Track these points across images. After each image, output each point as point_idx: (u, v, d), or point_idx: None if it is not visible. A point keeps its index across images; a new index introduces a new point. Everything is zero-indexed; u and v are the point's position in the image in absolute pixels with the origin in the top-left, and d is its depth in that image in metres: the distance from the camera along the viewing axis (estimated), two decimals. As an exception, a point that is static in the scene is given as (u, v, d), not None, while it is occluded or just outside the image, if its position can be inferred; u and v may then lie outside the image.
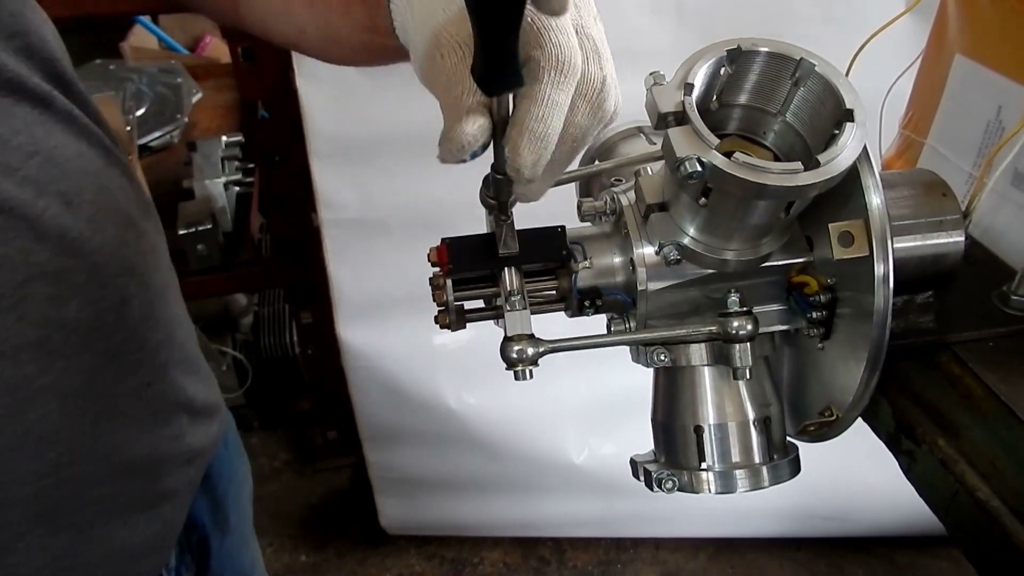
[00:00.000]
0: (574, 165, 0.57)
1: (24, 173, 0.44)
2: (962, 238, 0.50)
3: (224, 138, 1.78)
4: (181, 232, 1.51)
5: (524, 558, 1.80)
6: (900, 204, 0.51)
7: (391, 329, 1.43)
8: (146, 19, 2.33)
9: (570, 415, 1.58)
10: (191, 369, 0.61)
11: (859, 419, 0.53)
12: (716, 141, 0.39)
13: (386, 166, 1.29)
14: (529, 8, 0.37)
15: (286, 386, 1.99)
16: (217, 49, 2.44)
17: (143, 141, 1.88)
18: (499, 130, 0.39)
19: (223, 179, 1.66)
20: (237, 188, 1.73)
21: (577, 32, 0.40)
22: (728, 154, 0.39)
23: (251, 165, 1.75)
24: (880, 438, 0.53)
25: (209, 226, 1.53)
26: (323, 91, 1.22)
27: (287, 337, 1.94)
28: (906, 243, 0.49)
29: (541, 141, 0.39)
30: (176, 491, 0.60)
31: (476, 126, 0.39)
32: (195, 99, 2.04)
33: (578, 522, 1.75)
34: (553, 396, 1.56)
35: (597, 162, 0.59)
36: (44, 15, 0.51)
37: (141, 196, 0.58)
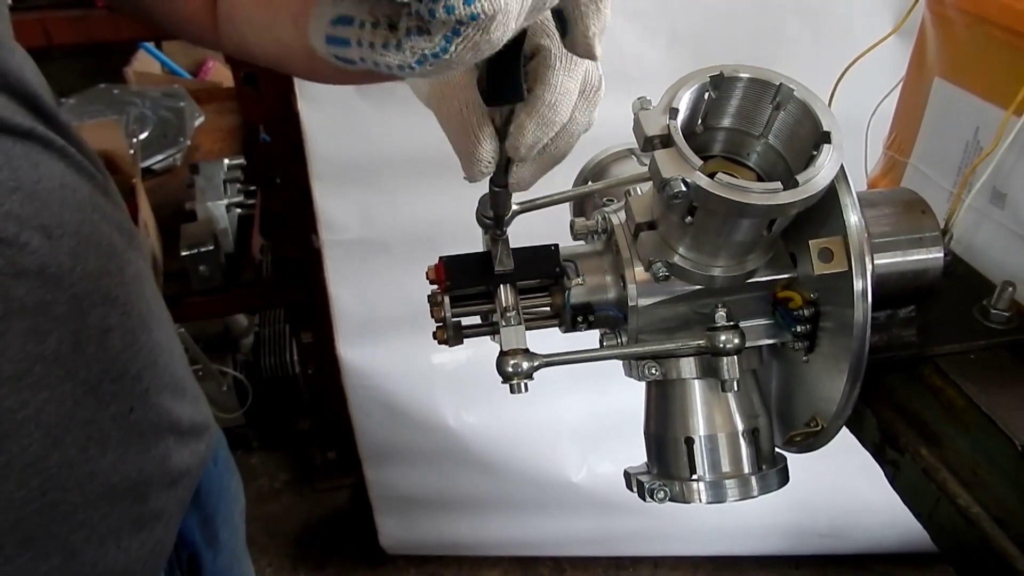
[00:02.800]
0: (567, 185, 0.60)
1: (7, 209, 0.45)
2: (941, 254, 0.52)
3: (226, 161, 1.81)
4: (184, 253, 1.53)
5: (524, 577, 1.80)
6: (881, 222, 0.52)
7: (391, 348, 1.45)
8: (150, 44, 2.37)
9: (569, 433, 1.59)
10: (177, 391, 0.62)
11: (849, 433, 0.55)
12: (700, 162, 0.41)
13: (386, 188, 1.32)
14: None
15: (286, 406, 2.00)
16: (219, 74, 2.48)
17: (146, 164, 1.91)
18: (501, 138, 0.41)
19: (225, 201, 1.68)
20: (239, 210, 1.75)
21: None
22: (712, 175, 0.41)
23: (253, 187, 1.77)
24: (866, 448, 0.54)
25: (211, 247, 1.54)
26: (324, 114, 1.24)
27: (287, 357, 1.96)
28: (887, 259, 0.51)
29: (548, 127, 0.40)
30: (165, 511, 0.61)
31: (491, 145, 0.40)
32: (197, 122, 2.08)
33: (577, 540, 1.75)
34: (551, 415, 1.57)
35: (590, 183, 0.61)
36: (24, 54, 0.52)
37: (125, 223, 0.59)
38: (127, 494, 0.55)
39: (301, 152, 1.30)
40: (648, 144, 0.42)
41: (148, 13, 0.62)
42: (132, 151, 1.67)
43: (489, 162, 0.41)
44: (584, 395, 1.54)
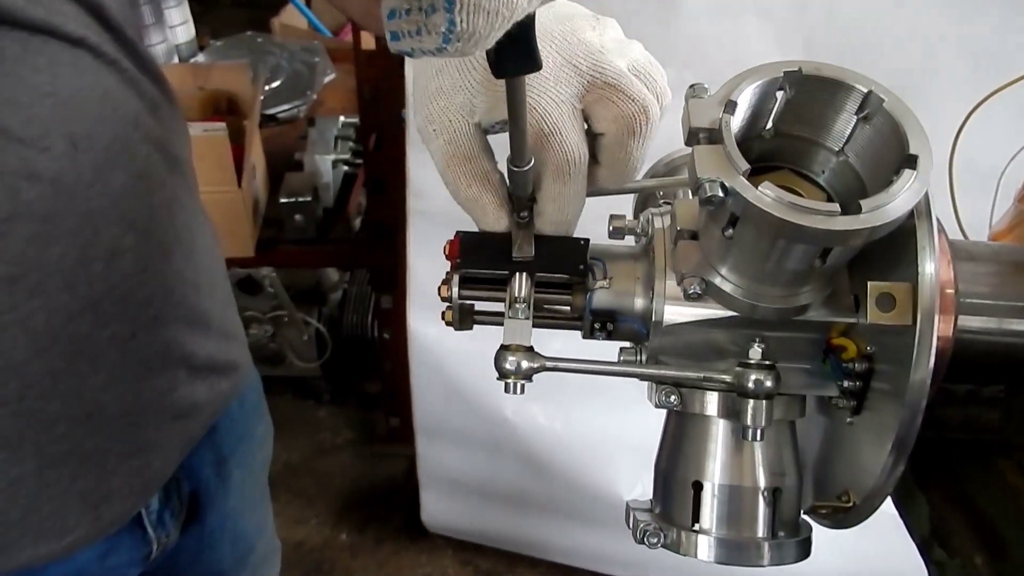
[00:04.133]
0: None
1: (34, 111, 0.45)
2: (1048, 329, 0.43)
3: (342, 118, 1.84)
4: (282, 200, 1.57)
5: (559, 586, 1.75)
6: (979, 280, 0.44)
7: (461, 327, 1.43)
8: (298, 0, 2.45)
9: (628, 448, 1.52)
10: (196, 325, 0.61)
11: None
12: (746, 166, 0.35)
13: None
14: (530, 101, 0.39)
15: (360, 366, 2.03)
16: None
17: (271, 111, 1.97)
18: (514, 116, 0.36)
19: (332, 156, 1.71)
20: (345, 167, 1.78)
21: (592, 85, 0.41)
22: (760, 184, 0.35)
23: (362, 147, 1.79)
24: (912, 539, 0.46)
25: (309, 199, 1.57)
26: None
27: (368, 318, 1.98)
28: (976, 323, 0.43)
29: (565, 224, 0.44)
30: (162, 443, 0.60)
31: (503, 213, 0.44)
32: (328, 79, 2.13)
33: (621, 561, 1.68)
34: (614, 425, 1.50)
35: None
36: None
37: (174, 149, 0.58)
38: (118, 418, 0.55)
39: (403, 117, 1.29)
40: (692, 137, 0.36)
41: None
42: (256, 95, 1.73)
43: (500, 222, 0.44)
44: (651, 411, 1.47)
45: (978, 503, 0.44)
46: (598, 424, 1.50)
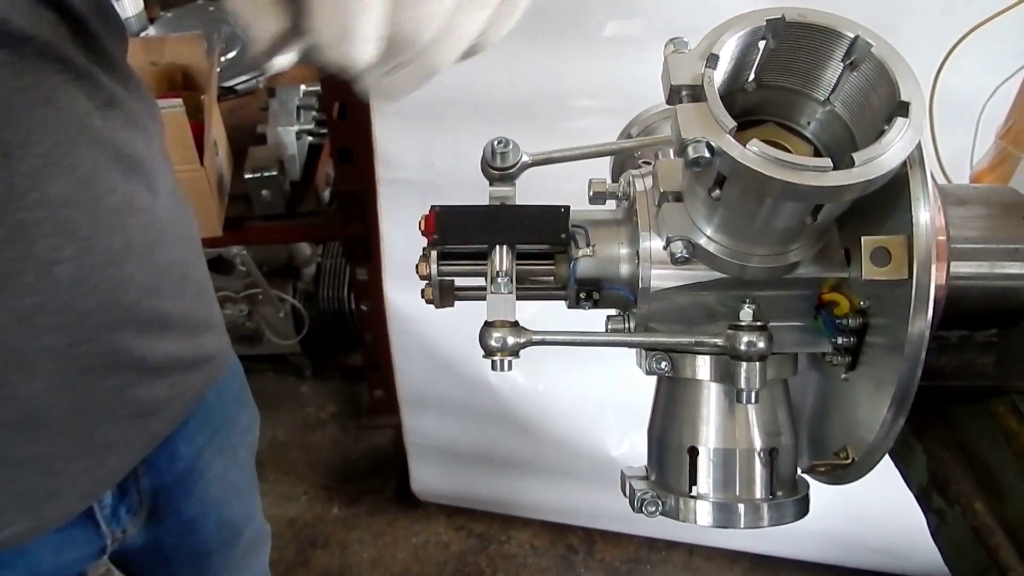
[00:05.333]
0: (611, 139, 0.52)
1: None
2: (1039, 271, 0.42)
3: (303, 87, 1.79)
4: (247, 176, 1.53)
5: (552, 543, 1.77)
6: (969, 224, 0.43)
7: (440, 296, 1.41)
8: (249, -37, 2.35)
9: (614, 406, 1.52)
10: (151, 328, 0.58)
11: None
12: (732, 124, 0.33)
13: (449, 130, 1.26)
14: None
15: (340, 339, 2.01)
16: (315, -1, 2.45)
17: (230, 83, 1.91)
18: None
19: (296, 127, 1.66)
20: (310, 138, 1.73)
21: None
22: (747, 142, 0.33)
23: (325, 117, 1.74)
24: (910, 489, 0.46)
25: (275, 173, 1.53)
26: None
27: (344, 291, 1.95)
28: (968, 269, 0.42)
29: (344, 35, 0.32)
30: (118, 442, 0.58)
31: (273, 24, 0.32)
32: (285, 46, 2.06)
33: (610, 515, 1.70)
34: (599, 384, 1.50)
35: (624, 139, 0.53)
36: None
37: (130, 149, 0.54)
38: (62, 420, 0.53)
39: (366, 83, 1.25)
40: (674, 95, 0.34)
41: None
42: (215, 69, 1.67)
43: (267, 49, 0.33)
44: (633, 366, 1.47)
45: (975, 449, 0.44)
46: (580, 382, 1.50)
